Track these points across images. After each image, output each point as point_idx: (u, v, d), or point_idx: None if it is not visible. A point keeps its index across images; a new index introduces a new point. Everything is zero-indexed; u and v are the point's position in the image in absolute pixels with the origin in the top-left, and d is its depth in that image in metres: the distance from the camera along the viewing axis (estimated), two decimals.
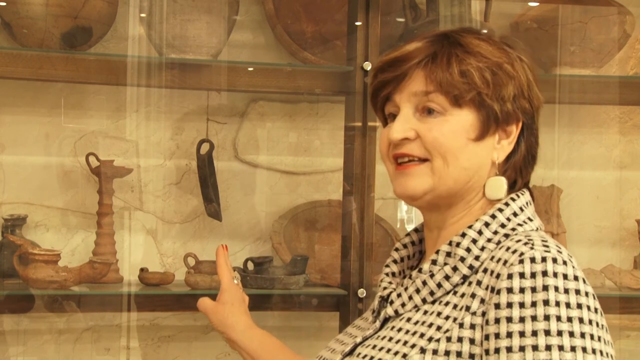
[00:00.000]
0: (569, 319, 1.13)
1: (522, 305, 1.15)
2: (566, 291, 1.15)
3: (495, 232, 1.28)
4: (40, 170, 2.66)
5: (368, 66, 2.54)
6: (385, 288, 1.38)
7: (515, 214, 1.29)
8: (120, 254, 2.61)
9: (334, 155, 2.80)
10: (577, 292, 1.16)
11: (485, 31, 1.37)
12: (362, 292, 2.53)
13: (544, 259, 1.17)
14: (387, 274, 1.42)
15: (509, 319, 1.15)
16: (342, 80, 2.64)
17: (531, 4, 2.83)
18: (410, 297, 1.30)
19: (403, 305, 1.31)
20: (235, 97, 2.78)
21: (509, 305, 1.15)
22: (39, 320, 2.59)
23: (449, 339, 1.21)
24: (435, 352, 1.20)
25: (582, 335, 1.13)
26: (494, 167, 1.31)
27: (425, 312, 1.27)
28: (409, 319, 1.29)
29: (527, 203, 1.32)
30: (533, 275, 1.16)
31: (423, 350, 1.21)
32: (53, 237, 2.65)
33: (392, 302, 1.33)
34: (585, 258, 2.85)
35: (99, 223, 2.58)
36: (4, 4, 2.48)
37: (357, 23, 2.56)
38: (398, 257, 1.43)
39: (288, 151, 2.83)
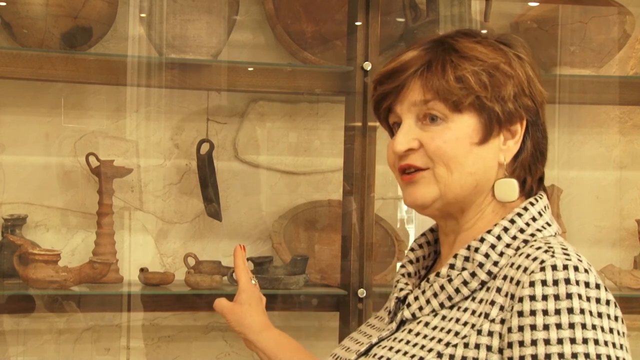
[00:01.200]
0: (594, 327, 1.14)
1: (545, 312, 1.15)
2: (588, 299, 1.16)
3: (514, 238, 1.27)
4: (40, 170, 2.66)
5: (368, 66, 2.54)
6: (401, 289, 1.37)
7: (534, 219, 1.29)
8: (120, 254, 2.61)
9: (334, 155, 2.80)
10: (598, 300, 1.16)
11: (485, 31, 1.36)
12: (362, 292, 2.53)
13: (565, 267, 1.17)
14: (402, 275, 1.41)
15: (533, 327, 1.15)
16: (342, 80, 2.64)
17: (531, 4, 2.83)
18: (428, 301, 1.30)
19: (420, 308, 1.31)
20: (235, 97, 2.78)
21: (533, 312, 1.15)
22: (39, 321, 2.59)
23: (466, 345, 1.21)
24: (452, 357, 1.20)
25: (606, 343, 1.14)
26: (502, 169, 1.30)
27: (444, 318, 1.27)
28: (427, 324, 1.28)
29: (545, 207, 1.31)
30: (555, 282, 1.16)
31: (440, 355, 1.21)
32: (53, 237, 2.66)
33: (409, 305, 1.33)
34: (585, 258, 2.85)
35: (99, 223, 2.58)
36: (4, 4, 2.48)
37: (357, 23, 2.56)
38: (414, 257, 1.42)
39: (288, 151, 2.83)
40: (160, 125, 2.73)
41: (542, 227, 1.29)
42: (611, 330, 1.16)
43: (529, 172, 1.32)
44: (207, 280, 2.53)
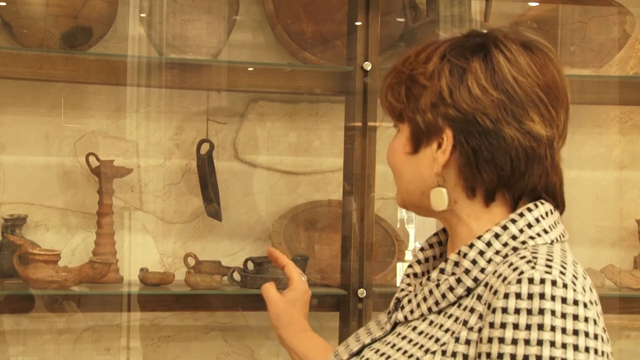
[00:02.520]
0: (564, 345, 1.11)
1: (516, 326, 1.12)
2: (563, 316, 1.12)
3: (505, 245, 1.24)
4: (40, 170, 2.66)
5: (368, 66, 2.53)
6: (402, 290, 1.37)
7: (529, 226, 1.25)
8: (120, 254, 2.61)
9: (334, 155, 2.80)
10: (575, 317, 1.12)
11: (488, 31, 1.34)
12: (362, 292, 2.53)
13: (542, 281, 1.14)
14: (407, 275, 1.40)
15: (501, 340, 1.13)
16: (342, 80, 2.64)
17: (531, 4, 2.83)
18: (418, 305, 1.29)
19: (412, 312, 1.30)
20: (235, 97, 2.78)
21: (503, 325, 1.13)
22: (39, 320, 2.59)
23: (444, 353, 1.20)
24: None
25: None
26: (437, 177, 1.29)
27: (431, 323, 1.26)
28: (414, 328, 1.28)
29: (546, 213, 1.27)
30: (530, 296, 1.13)
31: None
32: (53, 237, 2.65)
33: (402, 307, 1.32)
34: (585, 258, 2.85)
35: (99, 223, 2.58)
36: (4, 4, 2.48)
37: (357, 23, 2.56)
38: (422, 257, 1.41)
39: (288, 151, 2.83)
40: (160, 125, 2.73)
41: (537, 234, 1.25)
42: (587, 349, 1.12)
43: (473, 180, 1.27)
44: (207, 280, 2.53)
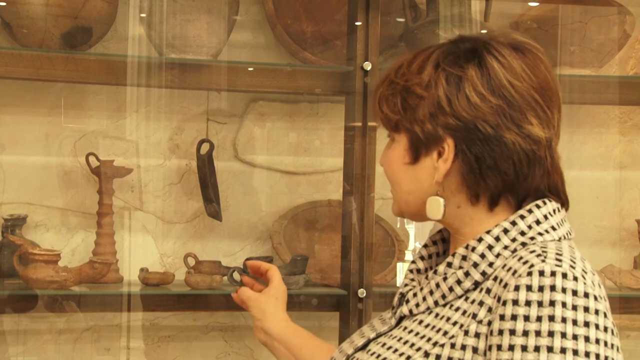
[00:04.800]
0: (575, 337, 1.11)
1: (527, 318, 1.13)
2: (574, 308, 1.13)
3: (514, 240, 1.25)
4: (40, 170, 2.66)
5: (368, 66, 2.54)
6: (406, 285, 1.38)
7: (537, 222, 1.26)
8: (120, 254, 2.61)
9: (334, 155, 2.80)
10: (586, 309, 1.13)
11: (483, 33, 1.34)
12: (362, 292, 2.53)
13: (553, 273, 1.14)
14: (411, 270, 1.41)
15: (512, 332, 1.13)
16: (342, 80, 2.64)
17: (531, 4, 2.83)
18: (424, 298, 1.30)
19: (417, 305, 1.31)
20: (235, 97, 2.78)
21: (514, 317, 1.14)
22: (39, 320, 2.59)
23: (453, 346, 1.20)
24: (438, 357, 1.20)
25: (587, 354, 1.11)
26: (437, 187, 1.29)
27: (437, 316, 1.26)
28: (420, 322, 1.28)
29: (554, 210, 1.28)
30: (541, 288, 1.14)
31: (427, 355, 1.21)
32: (53, 237, 2.65)
33: (407, 301, 1.33)
34: (585, 258, 2.85)
35: (99, 223, 2.58)
36: (4, 4, 2.48)
37: (357, 23, 2.56)
38: (426, 253, 1.41)
39: (288, 151, 2.83)
40: (160, 125, 2.73)
41: (546, 230, 1.26)
42: (597, 341, 1.13)
43: (477, 187, 1.27)
44: (207, 280, 2.53)
